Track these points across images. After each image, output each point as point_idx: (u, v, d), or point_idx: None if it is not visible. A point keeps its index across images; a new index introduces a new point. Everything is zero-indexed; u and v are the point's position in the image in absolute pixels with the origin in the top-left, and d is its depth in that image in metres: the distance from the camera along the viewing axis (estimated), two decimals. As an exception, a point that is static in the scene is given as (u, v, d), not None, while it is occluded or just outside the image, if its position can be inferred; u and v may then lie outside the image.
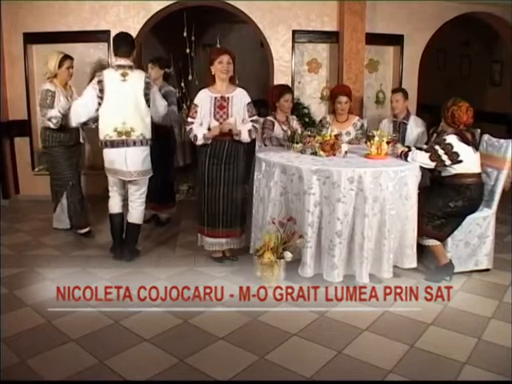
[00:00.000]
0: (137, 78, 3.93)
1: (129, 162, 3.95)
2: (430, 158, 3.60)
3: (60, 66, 4.40)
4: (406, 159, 3.71)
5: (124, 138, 3.91)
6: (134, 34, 5.83)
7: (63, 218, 4.77)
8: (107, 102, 3.88)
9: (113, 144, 3.93)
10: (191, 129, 3.85)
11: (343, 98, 4.77)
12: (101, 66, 5.92)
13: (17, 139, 6.04)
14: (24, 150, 6.05)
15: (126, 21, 5.85)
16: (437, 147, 3.61)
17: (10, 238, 4.65)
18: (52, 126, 4.36)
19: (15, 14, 5.75)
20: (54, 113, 4.33)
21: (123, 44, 3.97)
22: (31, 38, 5.82)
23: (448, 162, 3.58)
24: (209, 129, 3.83)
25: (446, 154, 3.56)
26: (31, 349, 2.77)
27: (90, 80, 4.16)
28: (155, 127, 4.16)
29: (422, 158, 3.63)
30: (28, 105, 5.93)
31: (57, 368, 2.61)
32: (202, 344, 2.84)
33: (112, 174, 4.08)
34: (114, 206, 4.20)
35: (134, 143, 3.94)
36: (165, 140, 4.77)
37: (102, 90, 3.87)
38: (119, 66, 3.92)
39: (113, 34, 5.74)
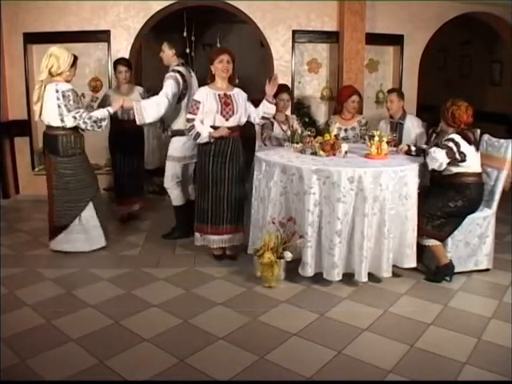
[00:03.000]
0: (193, 73, 4.63)
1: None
2: (446, 154, 3.53)
3: (72, 64, 4.08)
4: (418, 154, 3.83)
5: None
6: (134, 34, 5.89)
7: (83, 237, 4.24)
8: (189, 94, 4.37)
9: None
10: (193, 126, 3.83)
11: (357, 98, 4.92)
12: (101, 66, 5.95)
13: (17, 139, 6.05)
14: (24, 150, 6.06)
15: (126, 21, 5.86)
16: (450, 144, 3.54)
17: (10, 238, 4.65)
18: (98, 128, 4.04)
19: (15, 14, 5.76)
20: (103, 113, 4.05)
21: (177, 44, 4.53)
22: (31, 38, 5.82)
23: (459, 158, 3.56)
24: (212, 127, 3.82)
25: (457, 151, 3.54)
26: (31, 349, 2.77)
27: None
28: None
29: (439, 154, 3.53)
30: (28, 105, 5.92)
31: (57, 368, 2.60)
32: (202, 344, 2.84)
33: (187, 160, 4.52)
34: (183, 195, 4.63)
35: None
36: (137, 137, 5.03)
37: (185, 86, 4.35)
38: (183, 64, 4.47)
39: (113, 34, 5.83)
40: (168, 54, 4.48)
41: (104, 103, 4.76)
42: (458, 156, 3.54)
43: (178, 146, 4.47)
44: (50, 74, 3.99)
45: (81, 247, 4.24)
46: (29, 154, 6.06)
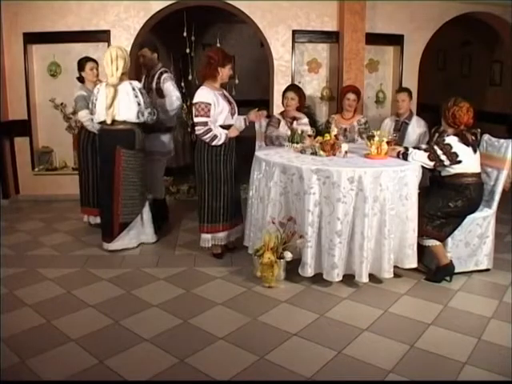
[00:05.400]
0: None
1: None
2: (428, 157, 3.61)
3: None
4: (404, 159, 3.71)
5: None
6: (134, 33, 5.90)
7: (142, 232, 4.40)
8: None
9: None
10: (209, 129, 3.75)
11: (352, 96, 4.95)
12: (101, 66, 5.94)
13: (17, 139, 6.05)
14: (24, 150, 6.05)
15: (126, 21, 5.86)
16: (435, 147, 3.61)
17: (10, 238, 4.65)
18: (151, 122, 4.23)
19: (15, 14, 5.76)
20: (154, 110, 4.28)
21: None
22: (31, 38, 5.83)
23: (447, 162, 3.59)
24: (222, 127, 3.86)
25: (444, 154, 3.57)
26: (31, 349, 2.76)
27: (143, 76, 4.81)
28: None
29: (421, 158, 3.64)
30: (28, 105, 5.93)
31: (57, 368, 2.61)
32: (202, 344, 2.84)
33: (167, 155, 4.83)
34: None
35: None
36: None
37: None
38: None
39: (113, 34, 5.83)
40: (153, 57, 4.61)
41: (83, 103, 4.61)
42: (443, 158, 3.56)
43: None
44: (123, 74, 4.05)
45: (136, 242, 4.36)
46: (29, 154, 6.05)
